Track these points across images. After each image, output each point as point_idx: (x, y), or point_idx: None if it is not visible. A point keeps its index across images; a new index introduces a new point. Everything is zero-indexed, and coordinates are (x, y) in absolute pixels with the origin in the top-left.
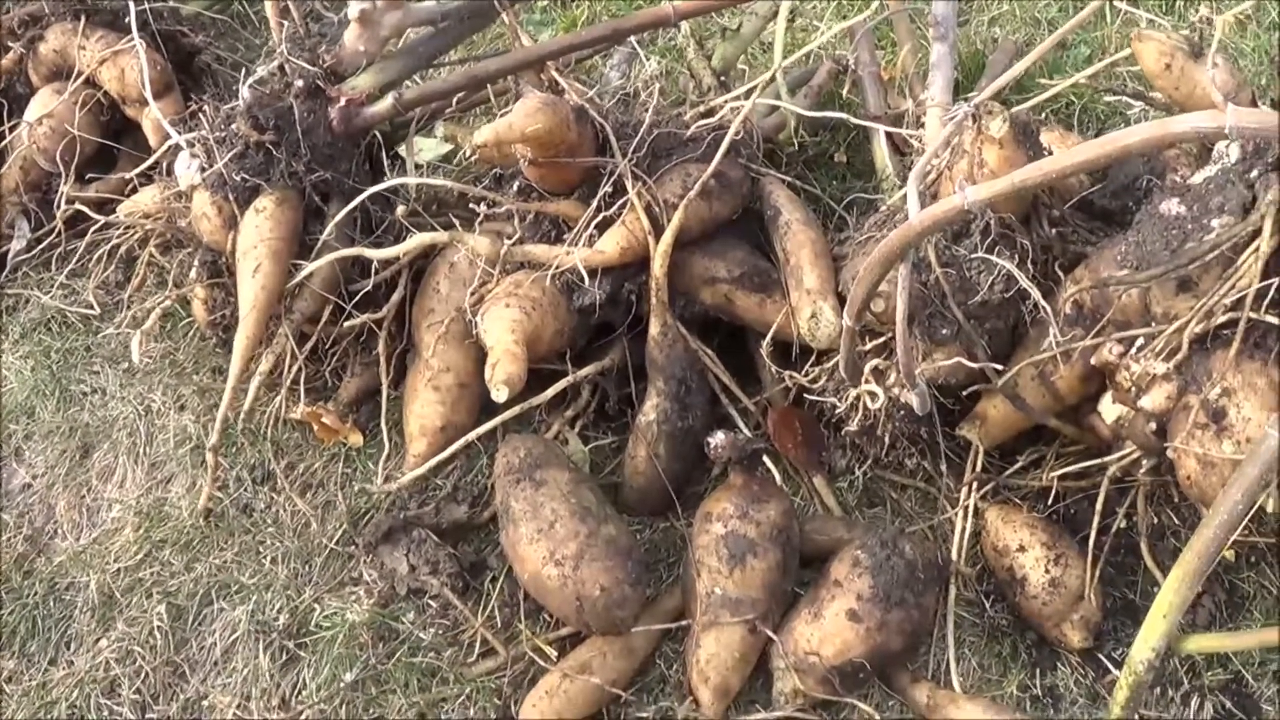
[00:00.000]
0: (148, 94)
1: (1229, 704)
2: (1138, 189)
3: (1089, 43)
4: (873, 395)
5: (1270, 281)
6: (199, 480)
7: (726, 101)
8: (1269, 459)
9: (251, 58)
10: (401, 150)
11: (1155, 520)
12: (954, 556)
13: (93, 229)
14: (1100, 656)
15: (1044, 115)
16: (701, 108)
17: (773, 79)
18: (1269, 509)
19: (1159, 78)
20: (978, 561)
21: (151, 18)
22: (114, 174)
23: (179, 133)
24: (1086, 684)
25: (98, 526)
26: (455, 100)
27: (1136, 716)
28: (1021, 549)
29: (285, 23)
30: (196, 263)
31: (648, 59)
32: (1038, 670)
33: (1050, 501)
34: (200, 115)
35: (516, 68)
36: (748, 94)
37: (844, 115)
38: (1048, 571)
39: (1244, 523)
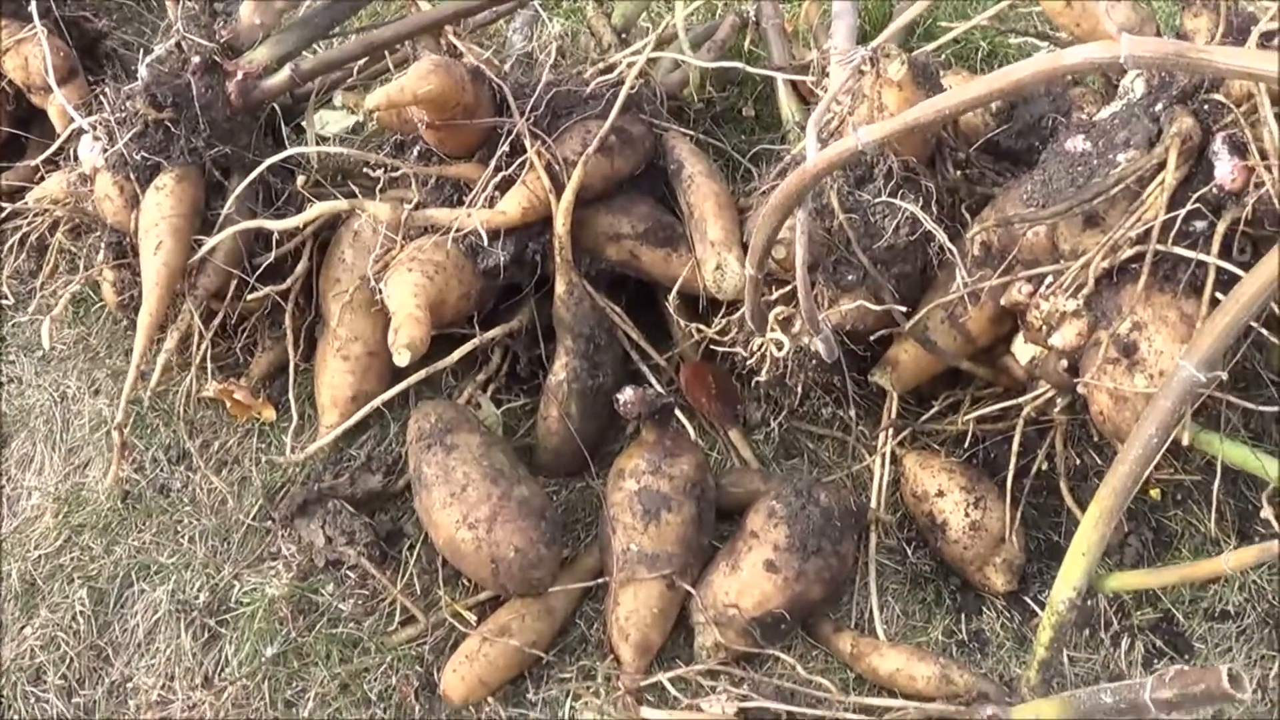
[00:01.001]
0: (51, 81)
1: (1160, 643)
2: (1043, 128)
3: None
4: (778, 344)
5: (1176, 213)
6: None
7: (624, 57)
8: (1182, 391)
9: (158, 40)
10: (305, 122)
11: (1078, 461)
12: (873, 504)
13: (1, 218)
14: (1026, 599)
15: (947, 60)
16: (601, 65)
17: (668, 33)
18: (1184, 441)
19: (1060, 15)
20: (898, 509)
21: (54, 4)
22: (22, 162)
23: (83, 117)
24: (1013, 627)
25: (18, 515)
26: (356, 69)
27: (1065, 657)
28: (940, 494)
29: (181, 0)
30: (103, 245)
31: (550, 20)
32: (962, 615)
33: (968, 445)
34: (102, 97)
35: (413, 33)
36: (644, 48)
37: (742, 65)
38: (968, 515)
39: (1159, 457)
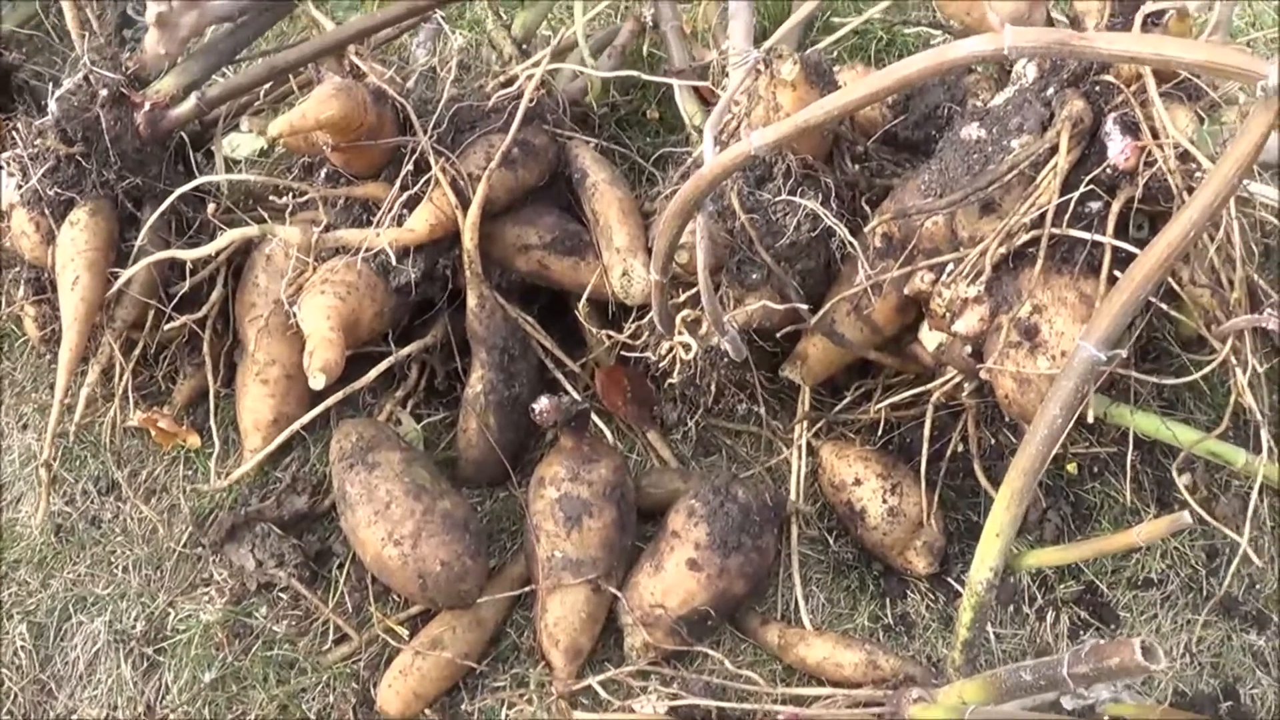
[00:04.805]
0: None
1: (1085, 614)
2: (939, 117)
3: None
4: (686, 346)
5: (1070, 196)
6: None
7: (524, 70)
8: (1083, 371)
9: (67, 72)
10: (214, 148)
11: (993, 441)
12: (792, 496)
13: None
14: (949, 580)
15: (848, 51)
16: (501, 78)
17: (560, 45)
18: (1090, 419)
19: (948, 6)
20: (817, 499)
21: None
22: None
23: None
24: (938, 608)
25: None
26: (262, 93)
27: (991, 634)
28: (858, 482)
29: (87, 34)
30: (22, 281)
31: (453, 33)
32: (888, 600)
33: (883, 433)
34: (14, 133)
35: (315, 55)
36: (541, 60)
37: (638, 74)
38: (885, 501)
39: (1066, 435)
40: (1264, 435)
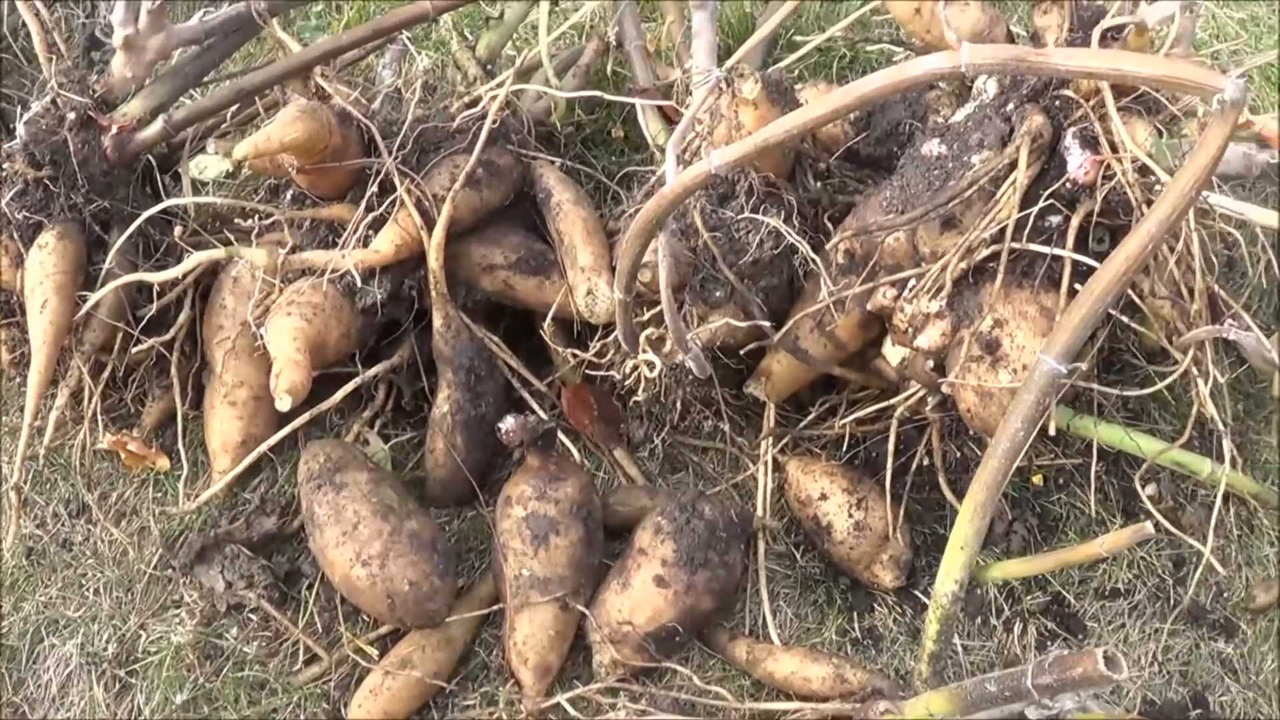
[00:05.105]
0: None
1: (1052, 625)
2: (901, 133)
3: None
4: (650, 364)
5: (1029, 211)
6: (20, 521)
7: (488, 91)
8: (1044, 384)
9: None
10: (181, 169)
11: (959, 454)
12: (759, 512)
13: None
14: (916, 593)
15: (811, 68)
16: (466, 99)
17: (525, 65)
18: (1051, 431)
19: (910, 23)
20: (784, 514)
21: None
22: None
23: None
24: (905, 621)
25: None
26: (229, 115)
27: (960, 646)
28: (823, 497)
29: (54, 56)
30: None
31: (419, 54)
32: (855, 614)
33: (848, 447)
34: None
35: (281, 78)
36: (504, 82)
37: (602, 93)
38: (851, 516)
39: (1028, 447)
40: (1226, 444)
